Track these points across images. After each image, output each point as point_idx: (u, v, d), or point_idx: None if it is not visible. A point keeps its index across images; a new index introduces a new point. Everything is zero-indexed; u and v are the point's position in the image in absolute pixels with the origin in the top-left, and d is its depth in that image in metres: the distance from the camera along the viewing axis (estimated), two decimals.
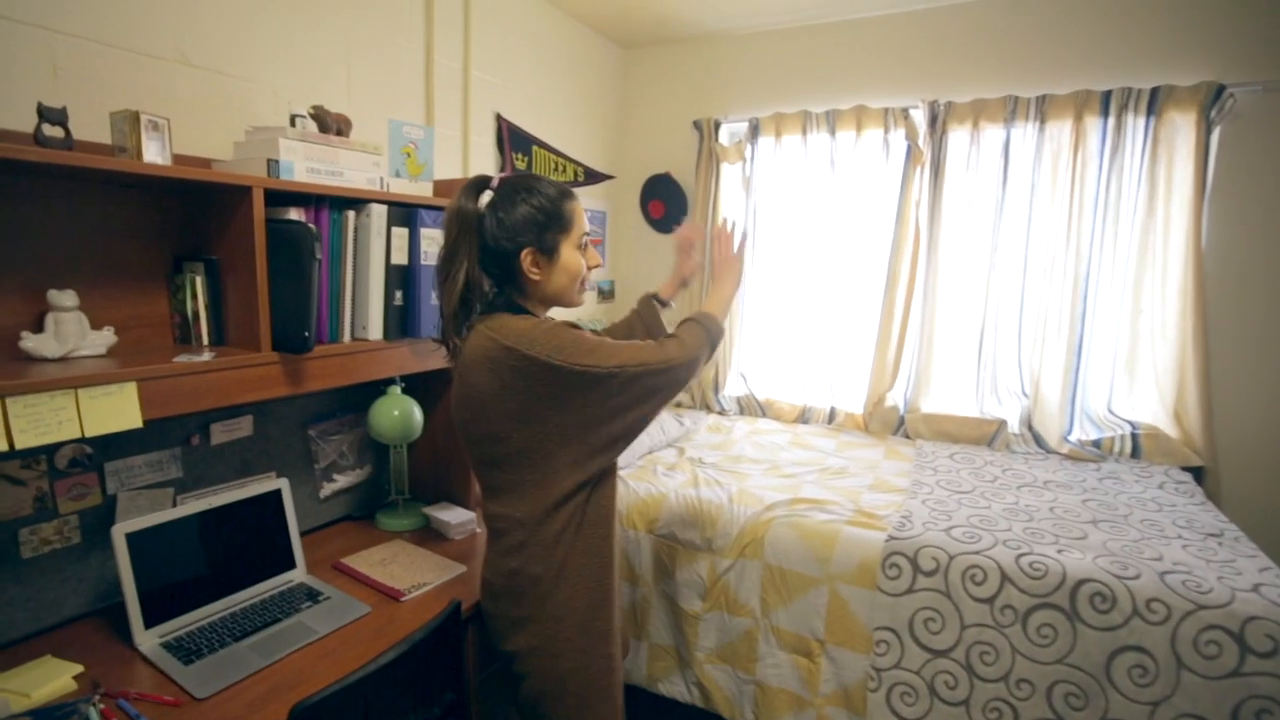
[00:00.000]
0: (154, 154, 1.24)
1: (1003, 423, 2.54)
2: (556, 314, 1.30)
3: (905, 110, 2.67)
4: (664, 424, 2.51)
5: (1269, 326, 2.28)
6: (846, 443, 2.56)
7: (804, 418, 2.89)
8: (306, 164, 1.47)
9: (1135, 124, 2.37)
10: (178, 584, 1.36)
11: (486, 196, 1.19)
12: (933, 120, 2.61)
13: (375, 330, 1.63)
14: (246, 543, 1.51)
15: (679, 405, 3.07)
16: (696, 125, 3.04)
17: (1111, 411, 2.46)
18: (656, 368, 1.15)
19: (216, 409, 1.47)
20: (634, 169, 3.26)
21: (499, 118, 2.51)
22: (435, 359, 1.82)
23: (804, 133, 2.84)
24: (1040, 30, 2.51)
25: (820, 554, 1.71)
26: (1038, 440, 2.49)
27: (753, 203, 2.97)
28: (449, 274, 1.17)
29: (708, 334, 1.26)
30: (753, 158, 2.96)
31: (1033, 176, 2.52)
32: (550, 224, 1.18)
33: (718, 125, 3.01)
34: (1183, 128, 2.30)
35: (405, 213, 1.66)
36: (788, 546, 1.76)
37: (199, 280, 1.41)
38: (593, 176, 3.07)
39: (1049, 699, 1.48)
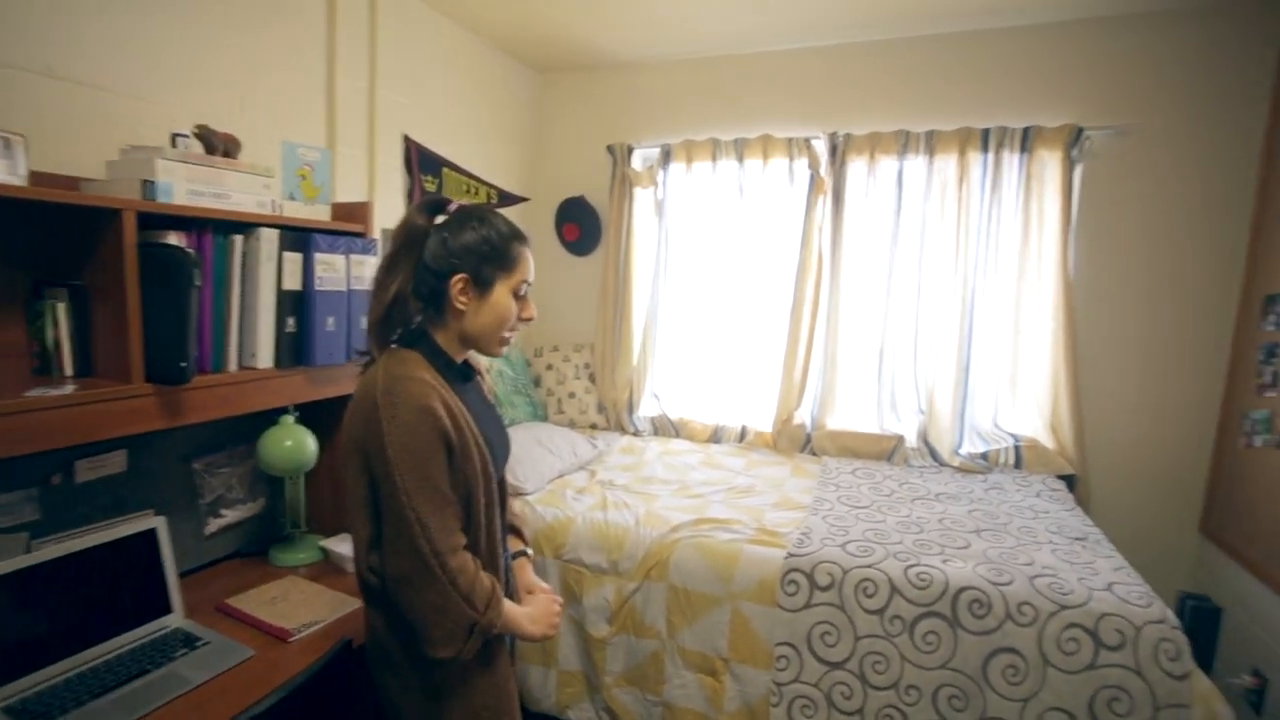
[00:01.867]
0: (4, 173, 1.16)
1: (901, 438, 2.67)
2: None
3: (808, 140, 2.80)
4: (576, 447, 2.50)
5: (1129, 345, 2.51)
6: (755, 461, 2.63)
7: (716, 437, 2.95)
8: (188, 186, 1.41)
9: (1011, 160, 2.57)
10: (30, 639, 1.26)
11: (440, 220, 1.18)
12: (833, 150, 2.75)
13: (265, 358, 1.57)
14: (114, 588, 1.41)
15: (593, 427, 3.08)
16: (610, 150, 3.09)
17: (997, 425, 2.63)
18: (428, 555, 1.04)
19: (82, 445, 1.37)
20: (548, 192, 3.27)
21: (407, 139, 2.48)
22: (332, 386, 1.77)
23: (714, 160, 2.93)
24: (929, 70, 2.69)
25: (723, 573, 1.75)
26: (933, 454, 2.63)
27: (665, 226, 3.03)
28: (382, 284, 1.14)
29: (475, 623, 1.09)
30: (664, 183, 3.03)
31: (924, 206, 2.68)
32: (492, 258, 1.15)
33: (630, 150, 3.07)
34: (1050, 164, 2.51)
35: (299, 237, 1.61)
36: (692, 567, 1.78)
37: (61, 307, 1.32)
38: (506, 199, 3.07)
39: (934, 703, 1.55)
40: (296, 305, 1.62)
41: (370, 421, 1.07)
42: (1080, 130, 2.44)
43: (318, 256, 1.64)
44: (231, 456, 1.82)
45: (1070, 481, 2.45)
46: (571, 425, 3.02)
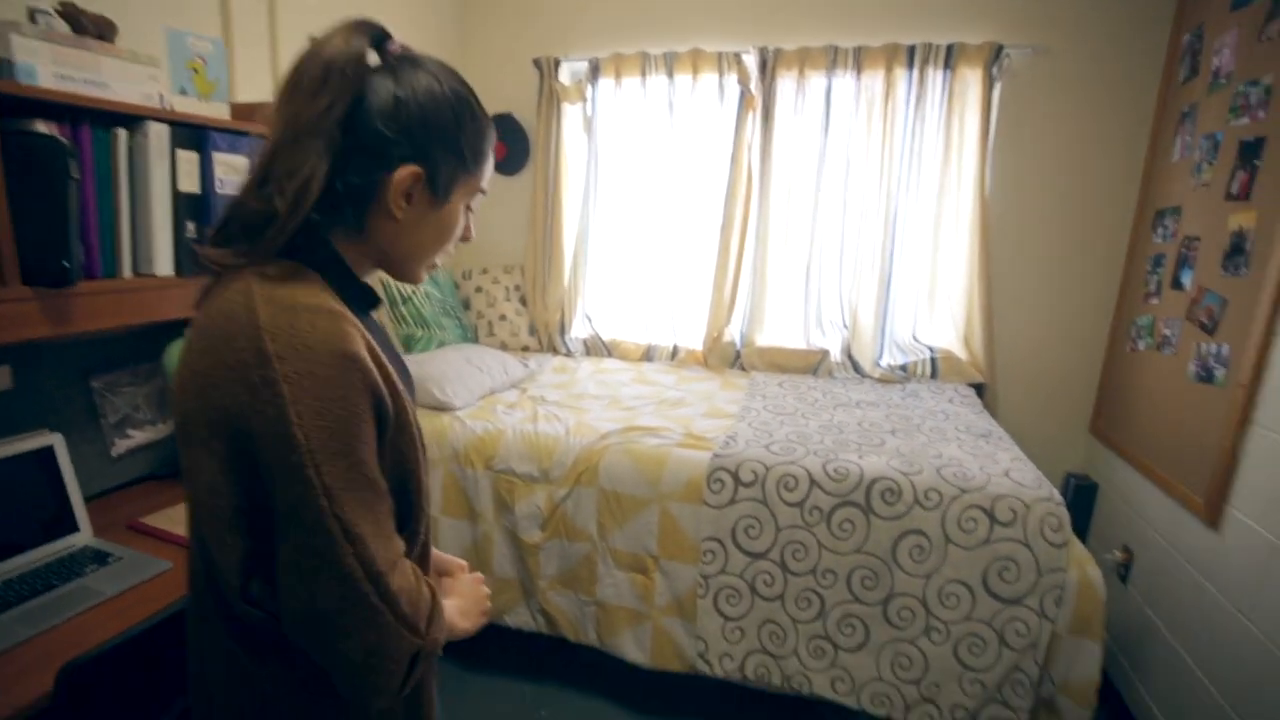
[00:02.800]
0: None
1: (826, 352, 2.77)
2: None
3: (738, 55, 2.75)
4: (507, 366, 2.49)
5: (1036, 260, 2.64)
6: (686, 377, 2.68)
7: (648, 356, 2.98)
8: (55, 69, 1.28)
9: (935, 77, 2.60)
10: None
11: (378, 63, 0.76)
12: (763, 66, 2.72)
13: (164, 265, 1.47)
14: (9, 509, 1.34)
15: (525, 349, 3.06)
16: (537, 64, 2.96)
17: (915, 339, 2.75)
18: (361, 581, 0.68)
19: None
20: None
21: None
22: None
23: (643, 75, 2.85)
24: None
25: (651, 476, 1.80)
26: (855, 367, 2.74)
27: (595, 144, 2.95)
28: (295, 158, 0.70)
29: (419, 651, 0.74)
30: (594, 99, 2.93)
31: (851, 123, 2.70)
32: (461, 147, 0.77)
33: (558, 64, 2.94)
34: (972, 83, 2.56)
35: (194, 135, 1.49)
36: (621, 472, 1.83)
37: None
38: None
39: (848, 584, 1.67)
40: (196, 209, 1.52)
41: (250, 382, 0.66)
42: (1000, 48, 2.48)
43: (217, 156, 1.53)
44: (135, 375, 1.72)
45: (980, 389, 2.61)
46: (503, 348, 2.99)
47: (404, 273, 0.84)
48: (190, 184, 1.50)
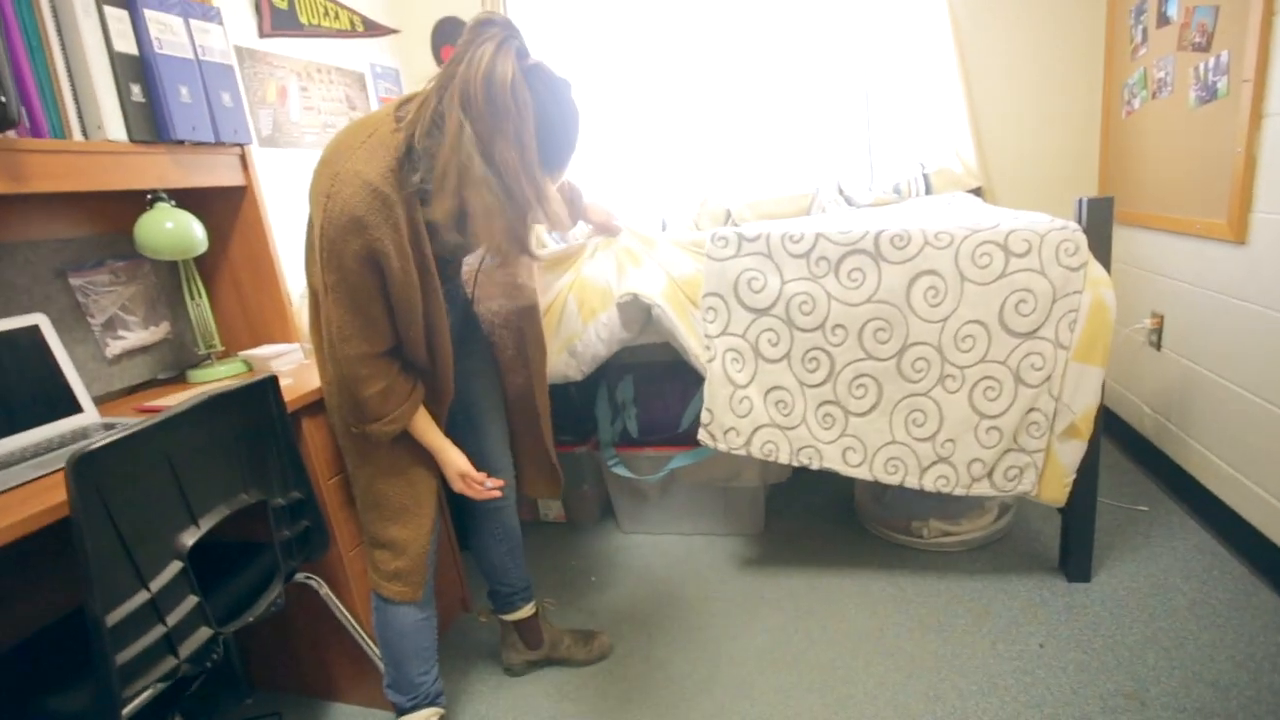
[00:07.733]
0: None
1: (815, 192, 2.69)
2: None
3: None
4: None
5: (1013, 54, 2.53)
6: None
7: None
8: None
9: None
10: None
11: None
12: None
13: (115, 130, 1.42)
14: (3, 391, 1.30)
15: None
16: None
17: (905, 162, 2.67)
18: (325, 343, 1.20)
19: None
20: (419, 14, 3.03)
21: None
22: (206, 174, 1.62)
23: None
24: None
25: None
26: (848, 201, 2.66)
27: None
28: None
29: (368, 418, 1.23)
30: None
31: None
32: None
33: None
34: None
35: None
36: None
37: None
38: (373, 28, 2.83)
39: (860, 339, 1.59)
40: (139, 71, 1.47)
41: (317, 195, 1.11)
42: None
43: (149, 15, 1.47)
44: (115, 273, 1.68)
45: (977, 193, 2.53)
46: None
47: None
48: (126, 44, 1.44)
